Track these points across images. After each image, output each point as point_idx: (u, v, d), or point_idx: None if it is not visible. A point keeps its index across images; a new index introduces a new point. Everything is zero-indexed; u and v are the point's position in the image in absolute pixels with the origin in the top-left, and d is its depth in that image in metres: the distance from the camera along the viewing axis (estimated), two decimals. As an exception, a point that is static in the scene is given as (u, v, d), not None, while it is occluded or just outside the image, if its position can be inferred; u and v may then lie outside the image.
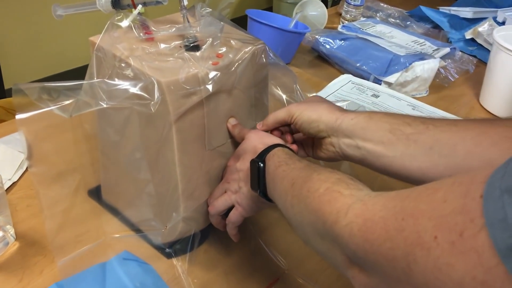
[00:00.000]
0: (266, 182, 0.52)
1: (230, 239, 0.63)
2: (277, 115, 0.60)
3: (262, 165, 0.52)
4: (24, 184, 0.76)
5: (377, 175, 0.76)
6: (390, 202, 0.34)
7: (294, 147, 0.60)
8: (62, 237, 0.63)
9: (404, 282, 0.31)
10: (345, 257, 0.39)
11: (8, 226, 0.65)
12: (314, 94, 0.80)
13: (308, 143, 0.63)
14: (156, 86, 0.53)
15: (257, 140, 0.58)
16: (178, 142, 0.57)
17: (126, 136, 0.60)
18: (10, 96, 1.14)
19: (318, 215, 0.41)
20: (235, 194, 0.58)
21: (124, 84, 0.53)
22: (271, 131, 0.63)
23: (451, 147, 0.48)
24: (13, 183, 0.75)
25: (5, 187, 0.72)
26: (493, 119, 0.60)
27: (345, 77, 1.08)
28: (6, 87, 2.04)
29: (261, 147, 0.55)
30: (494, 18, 1.35)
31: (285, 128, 0.63)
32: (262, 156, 0.53)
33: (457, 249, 0.27)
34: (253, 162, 0.54)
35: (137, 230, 0.67)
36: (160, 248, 0.65)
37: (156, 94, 0.53)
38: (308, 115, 0.58)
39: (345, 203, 0.39)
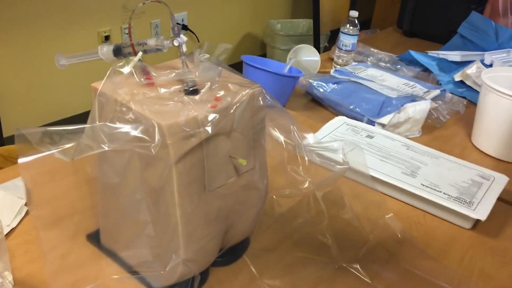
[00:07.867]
0: None
1: (230, 280, 0.63)
2: None
3: None
4: (23, 230, 0.76)
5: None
6: None
7: None
8: (60, 282, 0.63)
9: None
10: None
11: (6, 273, 0.64)
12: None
13: None
14: (156, 128, 0.54)
15: None
16: (178, 183, 0.58)
17: (127, 178, 0.61)
18: (9, 144, 1.14)
19: None
20: None
21: (126, 127, 0.55)
22: None
23: None
24: (12, 229, 0.75)
25: (4, 233, 0.72)
26: None
27: (340, 119, 1.10)
28: (5, 135, 2.06)
29: None
30: (482, 61, 1.39)
31: None
32: None
33: None
34: None
35: (136, 273, 0.67)
36: (159, 292, 0.64)
37: (157, 137, 0.54)
38: None
39: None
